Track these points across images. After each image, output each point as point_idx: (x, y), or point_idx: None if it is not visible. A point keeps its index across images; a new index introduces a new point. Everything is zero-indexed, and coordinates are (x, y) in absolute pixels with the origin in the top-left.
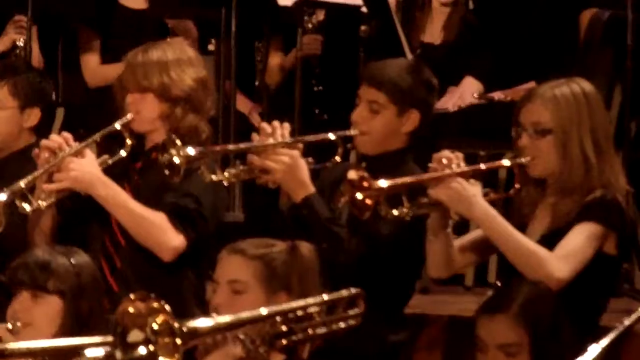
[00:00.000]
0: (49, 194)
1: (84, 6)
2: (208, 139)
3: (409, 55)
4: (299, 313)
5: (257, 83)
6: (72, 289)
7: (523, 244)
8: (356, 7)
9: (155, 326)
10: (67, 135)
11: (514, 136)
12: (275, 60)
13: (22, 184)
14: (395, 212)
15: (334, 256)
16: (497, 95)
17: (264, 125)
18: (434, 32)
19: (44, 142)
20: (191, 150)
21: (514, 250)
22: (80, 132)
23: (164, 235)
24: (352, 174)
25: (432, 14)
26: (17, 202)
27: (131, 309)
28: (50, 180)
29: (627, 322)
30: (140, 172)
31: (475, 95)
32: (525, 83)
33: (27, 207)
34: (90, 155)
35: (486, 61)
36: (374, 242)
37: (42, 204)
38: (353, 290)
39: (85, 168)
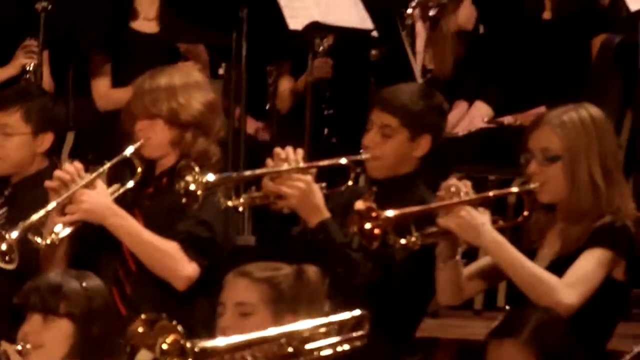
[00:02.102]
0: (62, 226)
1: (95, 31)
2: (218, 162)
3: (419, 80)
4: (306, 335)
5: (267, 107)
6: (83, 312)
7: (532, 271)
8: (367, 32)
9: (165, 346)
10: (78, 165)
11: (523, 162)
12: (284, 84)
13: (34, 218)
14: (403, 241)
15: (349, 281)
16: (507, 119)
17: (278, 150)
18: (437, 59)
19: (57, 173)
20: (211, 177)
21: (523, 278)
22: (90, 157)
23: (178, 264)
24: (359, 204)
25: (436, 40)
26: (30, 237)
27: (140, 329)
28: (62, 212)
29: (637, 349)
30: (151, 197)
31: (485, 119)
32: (536, 108)
33: (40, 241)
34: (101, 185)
35: (496, 86)
36: (387, 267)
37: (55, 237)
38: (358, 312)
39: (97, 199)
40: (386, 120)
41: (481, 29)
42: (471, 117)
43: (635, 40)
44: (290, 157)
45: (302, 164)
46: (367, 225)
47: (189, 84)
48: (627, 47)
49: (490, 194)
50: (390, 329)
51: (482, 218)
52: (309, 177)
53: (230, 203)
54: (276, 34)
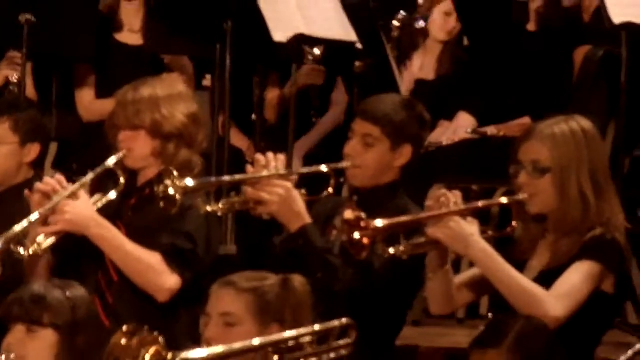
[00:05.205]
0: (45, 237)
1: (81, 43)
2: (200, 173)
3: (403, 92)
4: (291, 344)
5: (253, 117)
6: (67, 323)
7: (520, 283)
8: (351, 44)
9: (147, 358)
10: (60, 177)
11: (513, 173)
12: (272, 95)
13: (17, 229)
14: (391, 250)
15: (329, 286)
16: (491, 130)
17: (259, 156)
18: (426, 68)
19: (37, 185)
20: (190, 182)
21: (510, 289)
22: (73, 168)
23: (160, 277)
24: (348, 214)
25: (426, 50)
26: (13, 248)
27: (123, 341)
28: (45, 223)
29: (623, 358)
30: (133, 208)
31: (469, 130)
32: (520, 118)
33: (23, 251)
34: (84, 196)
35: (480, 97)
36: (366, 275)
37: (39, 248)
38: (344, 321)
39: (81, 210)
40: (368, 129)
41: (465, 41)
42: (455, 127)
43: (619, 53)
44: (271, 163)
45: (282, 171)
46: (356, 235)
47: (173, 95)
48: (610, 59)
49: (480, 204)
50: (369, 337)
51: (471, 229)
52: (288, 183)
53: (209, 208)
54: (261, 46)
